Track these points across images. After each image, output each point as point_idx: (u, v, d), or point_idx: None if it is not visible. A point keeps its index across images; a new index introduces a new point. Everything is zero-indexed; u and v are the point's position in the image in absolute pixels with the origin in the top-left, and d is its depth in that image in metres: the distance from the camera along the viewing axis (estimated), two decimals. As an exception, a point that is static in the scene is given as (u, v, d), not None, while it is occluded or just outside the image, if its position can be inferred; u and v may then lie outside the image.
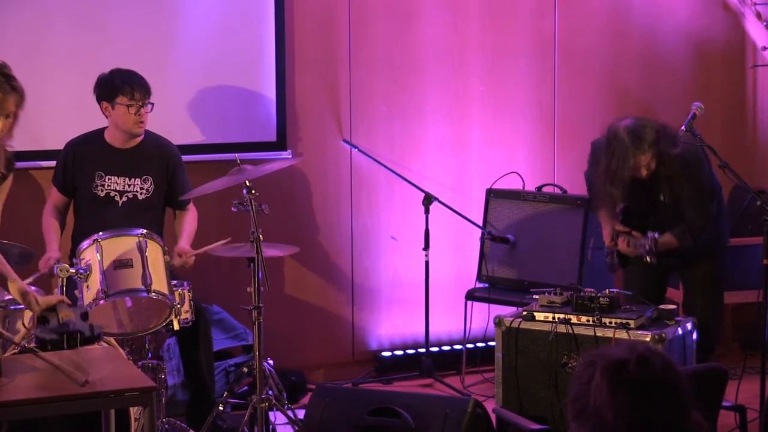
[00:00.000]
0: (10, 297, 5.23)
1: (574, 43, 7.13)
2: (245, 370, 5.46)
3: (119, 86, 5.57)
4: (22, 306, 5.16)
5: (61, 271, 4.90)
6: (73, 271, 4.98)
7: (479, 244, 6.69)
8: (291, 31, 6.52)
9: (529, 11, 7.04)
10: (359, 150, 6.69)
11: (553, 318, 5.16)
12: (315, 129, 6.67)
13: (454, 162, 6.95)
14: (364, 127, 6.76)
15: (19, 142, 5.93)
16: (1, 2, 5.98)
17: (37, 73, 5.99)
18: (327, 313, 6.77)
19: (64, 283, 4.89)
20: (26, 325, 5.09)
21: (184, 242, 5.63)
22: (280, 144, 6.52)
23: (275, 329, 6.22)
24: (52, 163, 5.83)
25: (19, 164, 5.96)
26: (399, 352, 6.84)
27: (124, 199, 5.68)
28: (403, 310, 6.86)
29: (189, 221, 5.79)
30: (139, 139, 5.70)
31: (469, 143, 6.97)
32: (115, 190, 5.68)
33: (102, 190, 5.67)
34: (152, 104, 5.64)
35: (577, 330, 5.09)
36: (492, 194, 6.73)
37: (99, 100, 5.64)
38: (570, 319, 5.12)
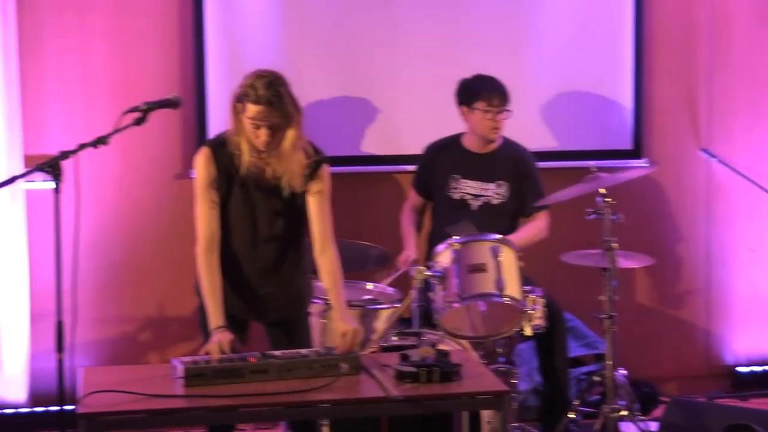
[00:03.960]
0: (368, 297, 5.43)
1: None
2: (597, 379, 5.41)
3: (478, 92, 5.64)
4: (379, 306, 5.34)
5: (417, 273, 5.02)
6: (429, 273, 5.08)
7: None
8: (650, 37, 6.41)
9: None
10: (718, 160, 6.51)
11: None
12: (671, 137, 6.53)
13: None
14: (722, 135, 6.56)
15: (380, 147, 6.22)
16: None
17: (396, 78, 6.17)
18: (679, 324, 6.62)
19: (421, 285, 5.00)
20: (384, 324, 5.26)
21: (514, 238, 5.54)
22: (635, 152, 6.43)
23: (626, 338, 6.13)
24: (412, 167, 5.97)
25: (381, 168, 6.21)
26: (757, 368, 6.61)
27: (479, 203, 5.74)
28: (762, 324, 6.62)
29: (528, 227, 5.76)
30: (496, 144, 5.75)
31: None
32: (470, 194, 5.75)
33: (456, 193, 5.76)
34: (510, 111, 5.68)
35: None
36: None
37: (459, 104, 5.73)
38: None
